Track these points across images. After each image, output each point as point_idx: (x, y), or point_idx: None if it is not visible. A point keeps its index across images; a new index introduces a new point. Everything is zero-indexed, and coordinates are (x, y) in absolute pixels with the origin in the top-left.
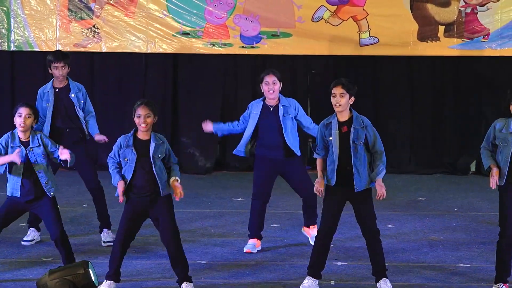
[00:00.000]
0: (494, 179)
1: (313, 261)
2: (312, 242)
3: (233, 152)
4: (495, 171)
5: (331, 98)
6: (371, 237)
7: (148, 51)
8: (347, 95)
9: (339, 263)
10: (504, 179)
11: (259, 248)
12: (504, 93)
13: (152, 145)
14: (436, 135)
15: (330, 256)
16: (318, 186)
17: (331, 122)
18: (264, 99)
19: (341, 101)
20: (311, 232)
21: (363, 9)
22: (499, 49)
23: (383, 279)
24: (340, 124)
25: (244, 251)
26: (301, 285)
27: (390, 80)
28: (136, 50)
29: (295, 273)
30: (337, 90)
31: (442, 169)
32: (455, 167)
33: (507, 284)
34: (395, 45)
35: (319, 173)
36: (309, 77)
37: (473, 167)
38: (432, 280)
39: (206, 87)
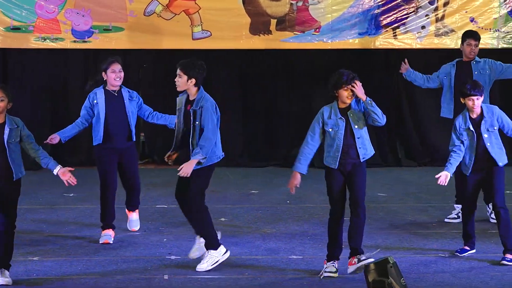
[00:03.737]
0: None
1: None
2: (129, 227)
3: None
4: (296, 178)
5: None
6: (196, 212)
7: None
8: (185, 77)
9: (173, 257)
10: (337, 163)
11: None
12: None
13: (7, 130)
14: (268, 128)
15: (163, 250)
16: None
17: (185, 96)
18: (104, 87)
19: (179, 81)
20: (132, 216)
21: (196, 3)
22: (330, 42)
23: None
24: (188, 101)
25: (101, 242)
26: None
27: (223, 74)
28: None
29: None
30: (178, 71)
31: (275, 161)
32: (287, 159)
33: (338, 261)
34: (227, 38)
35: None
36: (141, 72)
37: None
38: (265, 272)
39: (37, 82)
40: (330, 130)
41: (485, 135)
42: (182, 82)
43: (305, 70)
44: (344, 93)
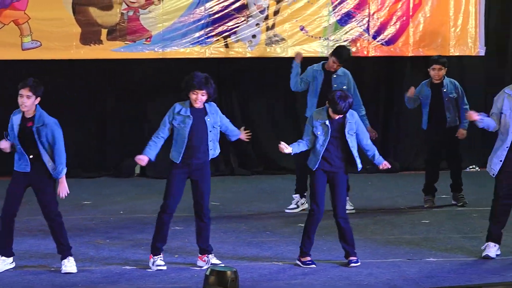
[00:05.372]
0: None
1: (2, 243)
2: None
3: None
4: (144, 158)
5: (19, 98)
6: (53, 220)
7: None
8: (33, 97)
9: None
10: (180, 158)
11: None
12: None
13: None
14: (100, 138)
15: None
16: None
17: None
18: None
19: (27, 102)
20: None
21: (25, 13)
22: (161, 51)
23: (67, 257)
24: (26, 120)
25: None
26: None
27: (54, 84)
28: None
29: None
30: (24, 92)
31: (106, 172)
32: (119, 169)
33: (151, 255)
34: (58, 49)
35: None
36: None
37: (137, 170)
38: (99, 283)
39: None
40: (177, 125)
41: (348, 138)
42: (31, 102)
43: (137, 79)
44: (192, 96)
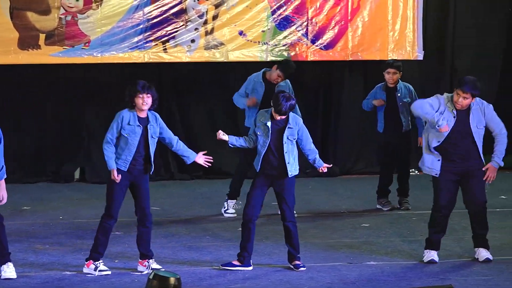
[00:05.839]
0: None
1: None
2: None
3: None
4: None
5: None
6: None
7: None
8: None
9: None
10: (127, 166)
11: None
12: (109, 98)
13: None
14: (40, 143)
15: None
16: None
17: None
18: None
19: None
20: None
21: None
22: (100, 56)
23: (7, 263)
24: None
25: None
26: None
27: None
28: None
29: None
30: None
31: (46, 177)
32: (58, 175)
33: (91, 261)
34: None
35: None
36: None
37: (77, 175)
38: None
39: None
40: (126, 135)
41: (285, 143)
42: None
43: (76, 85)
44: (139, 101)
